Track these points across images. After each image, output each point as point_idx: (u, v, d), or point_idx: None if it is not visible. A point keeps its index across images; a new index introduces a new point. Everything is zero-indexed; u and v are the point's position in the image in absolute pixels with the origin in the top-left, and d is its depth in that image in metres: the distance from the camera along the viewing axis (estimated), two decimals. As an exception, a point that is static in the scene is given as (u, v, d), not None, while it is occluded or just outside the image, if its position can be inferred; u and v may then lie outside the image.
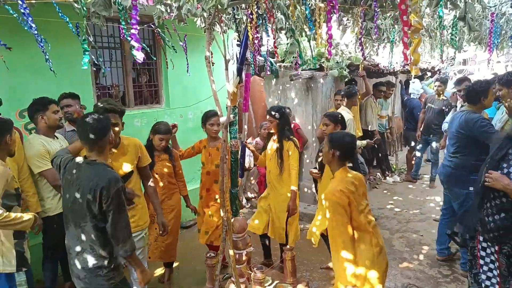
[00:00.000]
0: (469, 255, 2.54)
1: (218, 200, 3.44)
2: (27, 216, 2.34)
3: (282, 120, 3.64)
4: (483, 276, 2.34)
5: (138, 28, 4.15)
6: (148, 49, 4.35)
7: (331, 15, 2.70)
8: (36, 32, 2.23)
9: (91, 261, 2.14)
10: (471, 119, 3.42)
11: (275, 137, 3.76)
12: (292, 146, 3.60)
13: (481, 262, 2.37)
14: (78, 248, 2.16)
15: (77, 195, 2.09)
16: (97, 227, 2.09)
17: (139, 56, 2.07)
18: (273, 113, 3.63)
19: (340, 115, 3.64)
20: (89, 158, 2.19)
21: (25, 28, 2.75)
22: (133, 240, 2.22)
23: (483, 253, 2.37)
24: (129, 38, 3.32)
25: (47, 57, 2.84)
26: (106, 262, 2.14)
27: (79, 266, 2.17)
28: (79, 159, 2.22)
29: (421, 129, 6.46)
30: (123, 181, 2.22)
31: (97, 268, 2.13)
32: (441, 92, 6.17)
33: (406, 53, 2.25)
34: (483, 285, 2.34)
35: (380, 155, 6.94)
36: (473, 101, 3.50)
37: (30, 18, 2.11)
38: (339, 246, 2.28)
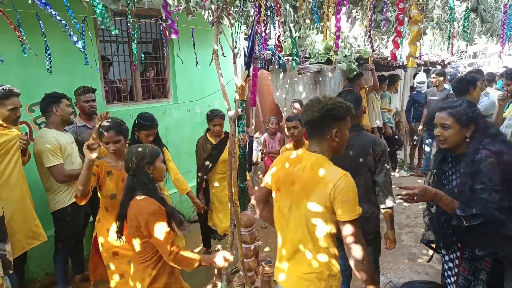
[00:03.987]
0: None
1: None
2: None
3: None
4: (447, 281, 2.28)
5: (146, 21, 4.15)
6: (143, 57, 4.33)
7: (341, 7, 2.66)
8: (59, 17, 2.20)
9: (367, 209, 2.43)
10: None
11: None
12: None
13: (449, 265, 2.29)
14: None
15: (352, 155, 2.47)
16: (371, 179, 2.47)
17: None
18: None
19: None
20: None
21: (38, 20, 2.77)
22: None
23: (446, 258, 2.29)
24: (134, 31, 3.33)
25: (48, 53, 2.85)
26: (377, 210, 2.54)
27: None
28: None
29: (423, 123, 6.41)
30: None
31: (371, 214, 2.49)
32: (438, 84, 6.13)
33: (398, 41, 2.25)
34: None
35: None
36: (463, 93, 3.48)
37: (48, 6, 2.09)
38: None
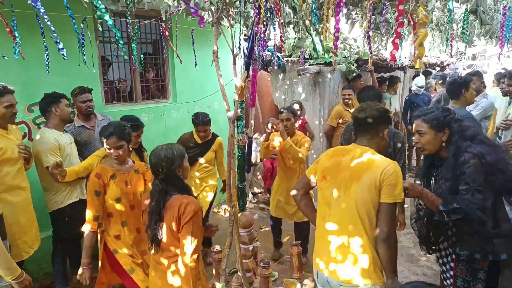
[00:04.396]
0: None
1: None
2: None
3: None
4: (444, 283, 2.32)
5: (145, 22, 4.15)
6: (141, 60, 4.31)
7: (340, 9, 2.66)
8: (50, 23, 2.21)
9: None
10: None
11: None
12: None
13: (443, 268, 2.32)
14: None
15: None
16: None
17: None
18: None
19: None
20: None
21: (38, 21, 2.77)
22: None
23: (440, 261, 2.33)
24: (133, 32, 3.33)
25: (47, 53, 2.84)
26: None
27: None
28: None
29: None
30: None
31: None
32: (435, 87, 6.39)
33: (398, 43, 2.26)
34: None
35: None
36: (456, 95, 3.53)
37: (42, 10, 2.09)
38: None
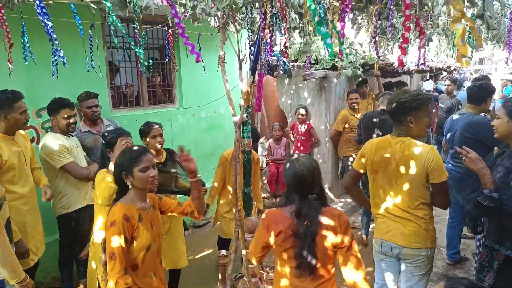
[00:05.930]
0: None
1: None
2: None
3: None
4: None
5: (152, 27, 4.19)
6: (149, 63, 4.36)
7: (345, 14, 2.66)
8: (52, 30, 2.23)
9: None
10: (478, 122, 3.36)
11: None
12: None
13: (479, 250, 2.50)
14: None
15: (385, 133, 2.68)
16: None
17: (196, 56, 2.23)
18: None
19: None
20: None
21: (43, 27, 2.81)
22: None
23: (478, 243, 2.55)
24: (139, 42, 3.36)
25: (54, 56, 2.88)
26: None
27: None
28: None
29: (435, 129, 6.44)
30: None
31: None
32: (450, 91, 6.25)
33: (405, 48, 2.28)
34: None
35: None
36: (479, 101, 3.49)
37: (46, 17, 2.11)
38: None
